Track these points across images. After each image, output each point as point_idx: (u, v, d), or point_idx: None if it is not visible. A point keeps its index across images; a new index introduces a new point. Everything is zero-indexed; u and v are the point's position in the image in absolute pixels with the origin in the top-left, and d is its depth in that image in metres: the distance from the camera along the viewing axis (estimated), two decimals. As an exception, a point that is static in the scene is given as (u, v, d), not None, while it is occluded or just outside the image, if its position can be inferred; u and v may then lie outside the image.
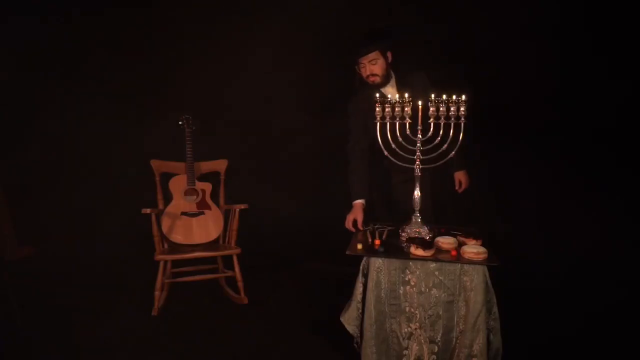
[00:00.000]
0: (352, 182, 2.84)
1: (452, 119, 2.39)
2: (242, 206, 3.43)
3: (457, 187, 3.00)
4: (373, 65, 2.76)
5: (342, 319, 2.41)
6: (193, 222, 3.39)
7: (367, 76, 2.78)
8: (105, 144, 4.51)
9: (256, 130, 4.28)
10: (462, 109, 2.39)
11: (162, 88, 4.31)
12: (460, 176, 3.00)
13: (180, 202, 3.41)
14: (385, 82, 2.82)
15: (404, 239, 2.48)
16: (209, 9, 4.14)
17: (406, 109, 2.44)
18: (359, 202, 2.79)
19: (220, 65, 4.19)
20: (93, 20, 4.27)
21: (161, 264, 3.20)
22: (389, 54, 2.81)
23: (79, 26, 4.26)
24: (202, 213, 3.43)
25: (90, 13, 4.25)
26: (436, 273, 2.27)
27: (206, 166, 3.60)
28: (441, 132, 2.44)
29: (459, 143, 2.45)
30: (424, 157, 2.50)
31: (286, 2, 3.88)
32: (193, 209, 3.42)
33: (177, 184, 3.45)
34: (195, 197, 3.45)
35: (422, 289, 2.28)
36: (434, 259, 2.27)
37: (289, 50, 3.94)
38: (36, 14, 4.14)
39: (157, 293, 3.18)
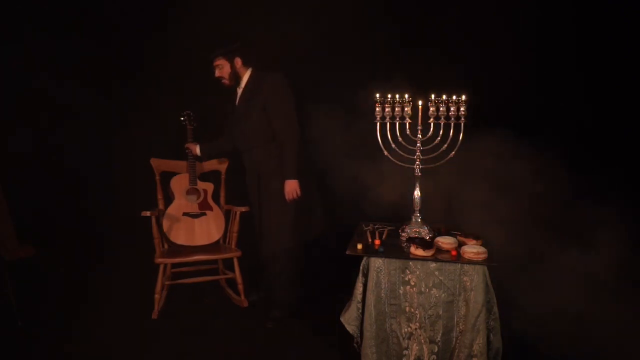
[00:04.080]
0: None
1: (452, 119, 2.40)
2: (243, 209, 3.35)
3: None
4: (220, 70, 3.09)
5: (342, 319, 2.41)
6: (195, 223, 3.37)
7: (217, 78, 3.11)
8: (105, 143, 4.51)
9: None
10: (462, 109, 2.40)
11: (161, 86, 4.31)
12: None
13: (182, 202, 3.40)
14: (235, 84, 3.12)
15: (404, 239, 2.49)
16: (210, 5, 4.13)
17: (406, 109, 2.45)
18: (199, 146, 3.35)
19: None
20: (88, 18, 4.28)
21: (161, 267, 3.17)
22: (237, 60, 3.06)
23: (72, 25, 4.26)
24: (204, 214, 3.41)
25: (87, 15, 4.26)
26: (436, 273, 2.27)
27: (207, 166, 3.57)
28: (441, 132, 2.45)
29: (458, 144, 2.45)
30: (424, 157, 2.51)
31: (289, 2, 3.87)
32: (195, 209, 3.41)
33: (179, 183, 3.43)
34: (197, 197, 3.44)
35: (422, 289, 2.28)
36: (434, 259, 2.27)
37: (290, 47, 3.94)
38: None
39: (157, 296, 3.15)
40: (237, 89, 3.15)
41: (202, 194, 3.45)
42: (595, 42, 3.60)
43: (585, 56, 3.63)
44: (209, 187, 3.49)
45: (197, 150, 3.35)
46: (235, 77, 3.10)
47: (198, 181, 3.45)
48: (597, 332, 2.82)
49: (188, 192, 3.42)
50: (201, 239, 3.35)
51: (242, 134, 3.11)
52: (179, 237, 3.31)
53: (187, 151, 3.39)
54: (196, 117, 3.47)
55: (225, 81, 3.10)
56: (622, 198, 3.27)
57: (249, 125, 3.04)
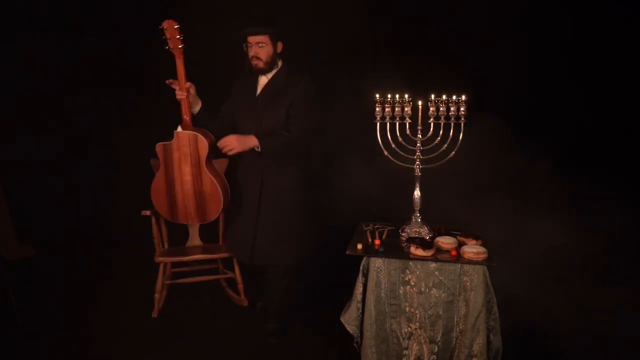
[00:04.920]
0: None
1: (452, 119, 2.40)
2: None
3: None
4: (259, 49, 2.71)
5: (342, 319, 2.41)
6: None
7: (252, 57, 2.74)
8: (105, 143, 4.51)
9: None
10: (462, 109, 2.40)
11: (161, 85, 4.30)
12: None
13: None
14: (267, 70, 2.77)
15: (404, 239, 2.49)
16: (210, 5, 4.12)
17: (406, 109, 2.45)
18: (201, 105, 2.87)
19: (223, 63, 4.18)
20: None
21: (161, 266, 3.16)
22: (279, 44, 2.77)
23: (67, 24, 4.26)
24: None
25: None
26: (436, 273, 2.27)
27: None
28: (441, 132, 2.45)
29: (458, 144, 2.45)
30: (423, 157, 2.51)
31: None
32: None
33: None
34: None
35: (422, 289, 2.28)
36: (434, 259, 2.27)
37: (290, 46, 3.94)
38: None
39: (157, 295, 3.15)
40: (260, 77, 2.83)
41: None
42: (595, 42, 3.60)
43: (586, 56, 3.63)
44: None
45: (198, 107, 2.86)
46: (272, 63, 2.76)
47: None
48: (596, 331, 2.83)
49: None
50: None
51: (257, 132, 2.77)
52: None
53: (176, 88, 2.77)
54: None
55: (260, 63, 2.72)
56: (623, 198, 3.27)
57: (269, 125, 2.75)
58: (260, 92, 2.83)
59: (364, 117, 2.71)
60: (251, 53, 2.73)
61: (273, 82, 2.81)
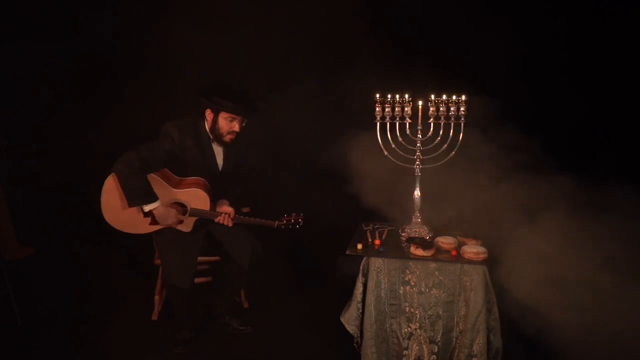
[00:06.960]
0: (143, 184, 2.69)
1: (452, 119, 2.41)
2: (245, 210, 3.34)
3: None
4: (240, 126, 2.69)
5: (342, 319, 2.41)
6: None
7: (229, 132, 2.68)
8: (105, 143, 4.50)
9: (257, 129, 4.27)
10: (462, 109, 2.40)
11: (159, 87, 4.30)
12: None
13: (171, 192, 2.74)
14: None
15: (404, 239, 2.49)
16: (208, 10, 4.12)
17: (406, 109, 2.45)
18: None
19: (221, 64, 4.18)
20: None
21: (161, 268, 3.16)
22: None
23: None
24: None
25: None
26: (436, 273, 2.27)
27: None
28: (441, 132, 2.45)
29: (458, 144, 2.46)
30: (423, 157, 2.51)
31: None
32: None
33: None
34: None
35: (422, 289, 2.28)
36: (434, 259, 2.27)
37: (290, 47, 3.94)
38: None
39: (156, 297, 3.13)
40: (213, 143, 2.79)
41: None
42: (594, 40, 3.61)
43: (586, 55, 3.64)
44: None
45: None
46: None
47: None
48: (597, 330, 2.83)
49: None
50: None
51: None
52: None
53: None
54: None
55: (234, 139, 2.73)
56: (624, 197, 3.27)
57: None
58: (223, 165, 2.84)
59: (364, 117, 2.71)
60: (231, 127, 2.66)
61: (233, 154, 2.84)
